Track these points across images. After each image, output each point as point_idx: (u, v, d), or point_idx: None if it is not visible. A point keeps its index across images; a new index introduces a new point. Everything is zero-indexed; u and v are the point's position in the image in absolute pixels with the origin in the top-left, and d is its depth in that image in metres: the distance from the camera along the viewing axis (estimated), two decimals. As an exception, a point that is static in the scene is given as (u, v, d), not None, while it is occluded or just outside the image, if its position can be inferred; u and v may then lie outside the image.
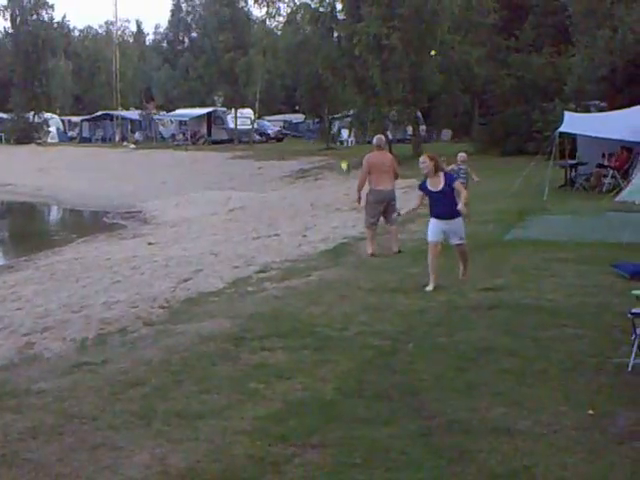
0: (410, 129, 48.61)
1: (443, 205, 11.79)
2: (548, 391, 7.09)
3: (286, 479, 5.43)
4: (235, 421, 6.44)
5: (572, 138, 28.20)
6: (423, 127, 51.88)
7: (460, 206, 11.64)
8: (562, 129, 26.14)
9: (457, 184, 12.02)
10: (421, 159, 12.24)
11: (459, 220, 11.89)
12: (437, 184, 11.85)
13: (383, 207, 15.69)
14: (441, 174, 11.95)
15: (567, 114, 27.96)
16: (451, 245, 12.15)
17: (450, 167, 21.20)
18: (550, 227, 18.30)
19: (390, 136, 45.47)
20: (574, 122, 26.78)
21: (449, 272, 12.35)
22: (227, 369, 7.89)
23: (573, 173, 27.43)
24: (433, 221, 12.04)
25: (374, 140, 16.34)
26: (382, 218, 15.86)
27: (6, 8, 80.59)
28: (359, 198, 16.16)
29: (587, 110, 34.40)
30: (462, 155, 21.18)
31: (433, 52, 36.88)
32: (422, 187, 12.18)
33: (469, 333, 9.00)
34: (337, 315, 10.14)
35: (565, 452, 5.80)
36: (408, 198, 26.43)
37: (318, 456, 5.74)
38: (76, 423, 6.46)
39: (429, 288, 11.62)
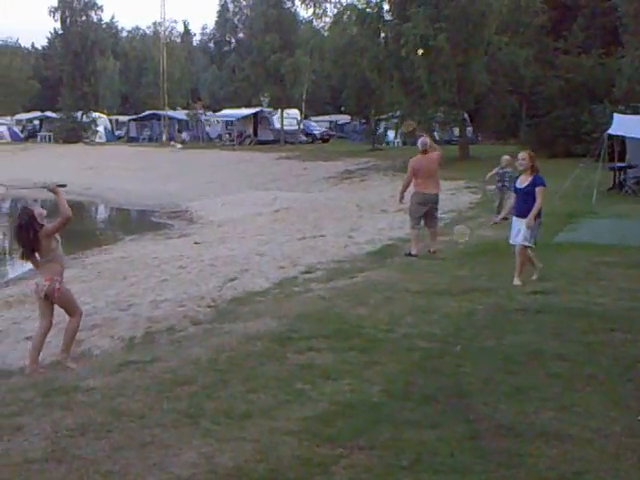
0: (457, 131, 48.40)
1: (520, 203, 12.13)
2: (597, 396, 7.00)
3: (333, 481, 5.41)
4: (282, 421, 6.43)
5: (621, 140, 27.90)
6: (470, 129, 51.62)
7: (528, 219, 11.88)
8: (611, 131, 25.88)
9: (538, 190, 11.98)
10: (521, 155, 12.38)
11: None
12: (523, 182, 12.12)
13: (426, 210, 15.69)
14: (532, 174, 12.07)
15: (616, 116, 27.69)
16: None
17: (494, 171, 20.99)
18: (598, 230, 18.12)
19: (436, 137, 45.34)
20: (623, 124, 26.49)
21: (497, 275, 12.28)
22: (274, 369, 7.88)
23: (622, 176, 27.15)
24: (513, 220, 12.43)
25: (419, 143, 16.21)
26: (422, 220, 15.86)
27: (56, 9, 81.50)
28: (401, 198, 16.10)
29: (637, 112, 33.99)
30: (506, 158, 20.68)
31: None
32: (514, 182, 12.58)
33: (517, 336, 8.92)
34: (384, 316, 10.10)
35: (615, 458, 5.72)
36: (455, 200, 26.39)
37: (365, 458, 5.71)
38: (124, 421, 6.49)
39: (534, 277, 12.24)
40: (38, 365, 9.11)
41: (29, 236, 9.02)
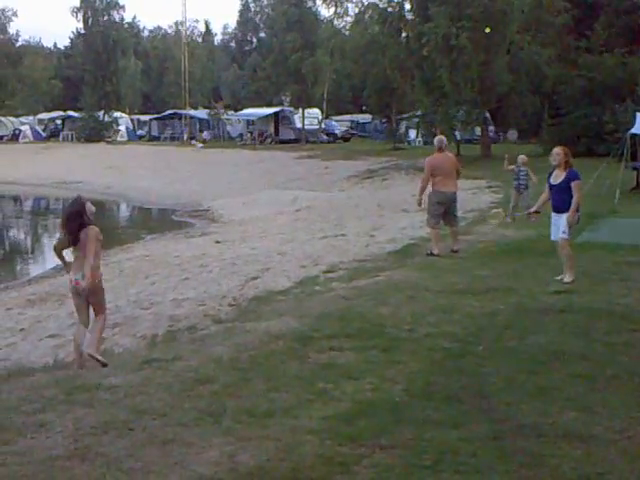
0: (478, 130, 48.29)
1: (555, 199, 12.13)
2: (620, 396, 6.95)
3: (355, 480, 5.40)
4: (304, 420, 6.42)
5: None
6: (492, 128, 51.47)
7: (569, 215, 11.88)
8: (634, 130, 25.74)
9: (574, 184, 11.97)
10: (555, 150, 12.38)
11: (565, 216, 12.00)
12: (558, 177, 12.08)
13: (445, 208, 15.63)
14: (567, 170, 12.06)
15: (639, 115, 27.51)
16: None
17: (510, 167, 21.10)
18: (621, 230, 18.04)
19: (458, 136, 45.25)
20: (647, 123, 26.34)
21: (519, 274, 12.25)
22: (295, 368, 7.88)
23: (645, 175, 26.97)
24: (552, 217, 12.43)
25: (435, 142, 16.22)
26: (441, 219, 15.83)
27: (79, 9, 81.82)
28: (420, 200, 16.05)
29: (660, 111, 33.82)
30: (522, 157, 21.01)
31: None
32: (548, 177, 12.45)
33: (540, 336, 8.87)
34: (405, 316, 10.07)
35: (639, 459, 5.68)
36: (476, 199, 26.32)
37: (387, 457, 5.69)
38: (146, 419, 6.50)
39: (567, 280, 12.04)
40: (82, 360, 9.03)
41: (75, 226, 8.92)
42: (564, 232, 12.02)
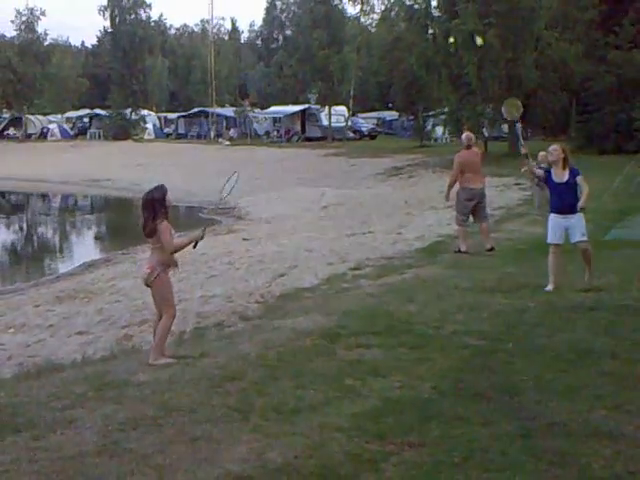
0: (506, 127, 48.04)
1: (565, 198, 11.51)
2: (651, 395, 6.90)
3: (384, 477, 5.36)
4: (332, 417, 6.41)
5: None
6: (519, 125, 51.13)
7: (582, 202, 11.38)
8: (664, 127, 25.54)
9: (580, 178, 11.55)
10: (552, 147, 11.89)
11: (579, 216, 11.54)
12: (562, 176, 11.54)
13: (473, 205, 15.58)
14: (568, 167, 11.59)
15: (669, 112, 27.32)
16: (573, 244, 11.75)
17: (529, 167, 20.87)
18: (652, 227, 17.89)
19: (486, 134, 45.05)
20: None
21: (547, 272, 12.17)
22: (323, 365, 7.86)
23: (675, 172, 26.73)
24: (553, 217, 11.73)
25: (463, 138, 16.18)
26: (471, 217, 15.77)
27: (106, 8, 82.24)
28: (448, 194, 16.00)
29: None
30: (542, 154, 20.63)
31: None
32: (548, 174, 11.81)
33: (569, 334, 8.81)
34: (433, 313, 10.05)
35: (670, 458, 5.63)
36: (504, 196, 26.22)
37: (416, 455, 5.67)
38: (175, 415, 6.51)
39: (548, 288, 11.43)
40: (164, 356, 8.73)
41: (150, 213, 8.44)
42: (584, 234, 11.59)
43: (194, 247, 9.01)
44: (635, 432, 6.06)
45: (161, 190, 8.60)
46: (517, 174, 28.49)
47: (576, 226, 11.56)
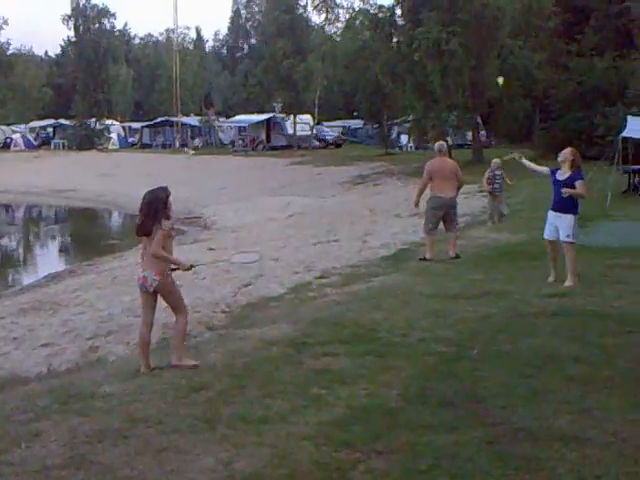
0: (470, 134, 48.34)
1: (557, 195, 12.07)
2: (615, 399, 6.94)
3: (352, 486, 5.39)
4: (299, 426, 6.41)
5: (636, 143, 27.80)
6: (483, 132, 51.53)
7: (566, 190, 11.86)
8: (625, 134, 25.83)
9: (579, 183, 12.01)
10: (565, 149, 12.49)
11: (570, 217, 12.00)
12: (564, 175, 12.08)
13: (443, 214, 15.51)
14: (574, 169, 12.12)
15: (630, 119, 27.63)
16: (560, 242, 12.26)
17: (485, 175, 21.21)
18: (613, 233, 18.06)
19: (450, 141, 45.27)
20: (637, 127, 26.42)
21: (512, 278, 12.25)
22: (290, 374, 7.86)
23: (637, 179, 27.02)
24: (548, 215, 12.37)
25: (435, 146, 16.19)
26: (442, 226, 15.74)
27: (70, 17, 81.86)
28: (417, 202, 15.93)
29: (651, 114, 33.91)
30: (497, 161, 21.14)
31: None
32: (552, 171, 12.41)
33: (534, 340, 8.87)
34: (399, 321, 10.06)
35: (635, 461, 5.66)
36: (470, 204, 26.34)
37: (383, 462, 5.68)
38: (141, 427, 6.48)
39: (550, 279, 12.27)
40: (147, 361, 8.47)
41: (151, 212, 8.24)
42: (569, 235, 12.00)
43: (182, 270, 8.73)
44: (600, 436, 6.10)
45: (165, 191, 8.48)
46: (481, 181, 28.71)
47: (562, 226, 12.07)
